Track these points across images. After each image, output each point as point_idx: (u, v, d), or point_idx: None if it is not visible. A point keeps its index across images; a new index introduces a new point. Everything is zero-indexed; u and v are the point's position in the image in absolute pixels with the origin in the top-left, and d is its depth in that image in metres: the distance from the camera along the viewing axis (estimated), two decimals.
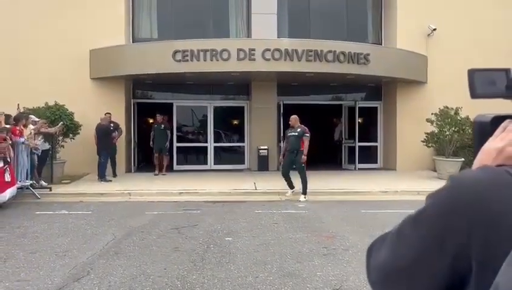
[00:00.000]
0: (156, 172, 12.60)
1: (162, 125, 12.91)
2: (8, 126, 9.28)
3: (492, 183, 0.68)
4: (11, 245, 5.79)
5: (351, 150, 14.57)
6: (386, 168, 14.33)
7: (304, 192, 9.38)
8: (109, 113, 12.05)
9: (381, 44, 14.44)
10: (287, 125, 14.81)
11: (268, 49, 11.38)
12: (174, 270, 4.79)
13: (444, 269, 0.69)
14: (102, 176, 11.26)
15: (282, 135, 14.23)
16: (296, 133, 9.44)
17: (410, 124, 13.51)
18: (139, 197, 9.72)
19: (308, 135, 9.48)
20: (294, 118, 9.73)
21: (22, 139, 9.40)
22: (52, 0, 12.61)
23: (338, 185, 10.81)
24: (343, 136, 15.16)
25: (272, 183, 10.87)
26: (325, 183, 10.95)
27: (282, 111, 13.99)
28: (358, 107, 14.33)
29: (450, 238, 0.68)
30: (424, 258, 0.70)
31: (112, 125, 11.90)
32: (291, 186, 9.60)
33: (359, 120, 14.42)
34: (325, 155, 15.99)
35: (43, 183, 10.16)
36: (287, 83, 13.93)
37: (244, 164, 14.36)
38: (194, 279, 4.55)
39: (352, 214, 8.01)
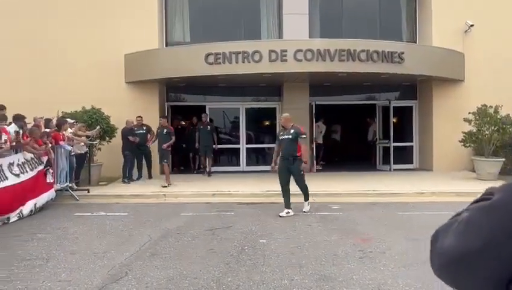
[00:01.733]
0: (165, 184, 10.87)
1: (165, 130, 11.47)
2: (48, 130, 9.59)
3: None
4: (52, 246, 5.97)
5: (386, 150, 14.32)
6: (422, 169, 14.00)
7: (306, 198, 8.11)
8: (140, 117, 12.27)
9: (415, 42, 14.13)
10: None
11: (300, 50, 11.31)
12: (210, 272, 4.82)
13: (511, 258, 0.72)
14: (124, 177, 11.56)
15: (313, 135, 14.17)
16: (290, 136, 7.75)
17: (447, 123, 13.16)
18: (174, 199, 9.85)
19: (304, 136, 7.96)
20: (285, 118, 8.04)
21: (66, 146, 9.73)
22: (88, 7, 12.96)
23: (372, 186, 10.63)
24: (377, 136, 14.91)
25: None
26: (359, 185, 10.80)
27: (314, 112, 13.88)
28: (393, 107, 14.06)
29: None
30: (491, 247, 0.72)
31: (135, 128, 12.08)
32: (288, 204, 7.93)
33: (394, 120, 14.15)
34: (359, 156, 15.79)
35: (74, 186, 10.39)
36: (319, 84, 13.82)
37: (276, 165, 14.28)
38: (229, 281, 4.56)
39: (387, 216, 7.85)
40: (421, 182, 11.18)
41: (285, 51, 11.34)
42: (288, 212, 7.87)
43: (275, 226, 7.10)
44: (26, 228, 7.06)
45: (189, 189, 10.59)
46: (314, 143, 14.09)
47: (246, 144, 14.58)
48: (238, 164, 14.53)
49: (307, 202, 8.16)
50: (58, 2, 13.01)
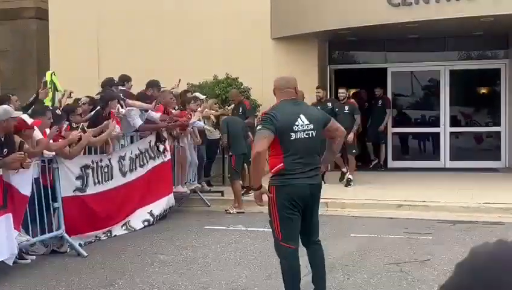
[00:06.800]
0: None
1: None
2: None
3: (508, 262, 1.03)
4: (177, 274, 6.41)
5: None
6: None
7: None
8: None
9: None
10: None
11: None
12: None
13: None
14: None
15: None
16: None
17: None
18: (339, 210, 9.86)
19: (260, 127, 4.92)
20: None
21: (198, 123, 10.36)
22: None
23: None
24: None
25: None
26: None
27: None
28: None
29: None
30: None
31: None
32: None
33: None
34: None
35: (205, 186, 11.03)
36: None
37: (499, 160, 13.53)
38: None
39: None
40: None
41: None
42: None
43: None
44: (145, 246, 7.71)
45: (362, 196, 10.48)
46: None
47: (451, 126, 13.89)
48: (437, 158, 14.03)
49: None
50: None
